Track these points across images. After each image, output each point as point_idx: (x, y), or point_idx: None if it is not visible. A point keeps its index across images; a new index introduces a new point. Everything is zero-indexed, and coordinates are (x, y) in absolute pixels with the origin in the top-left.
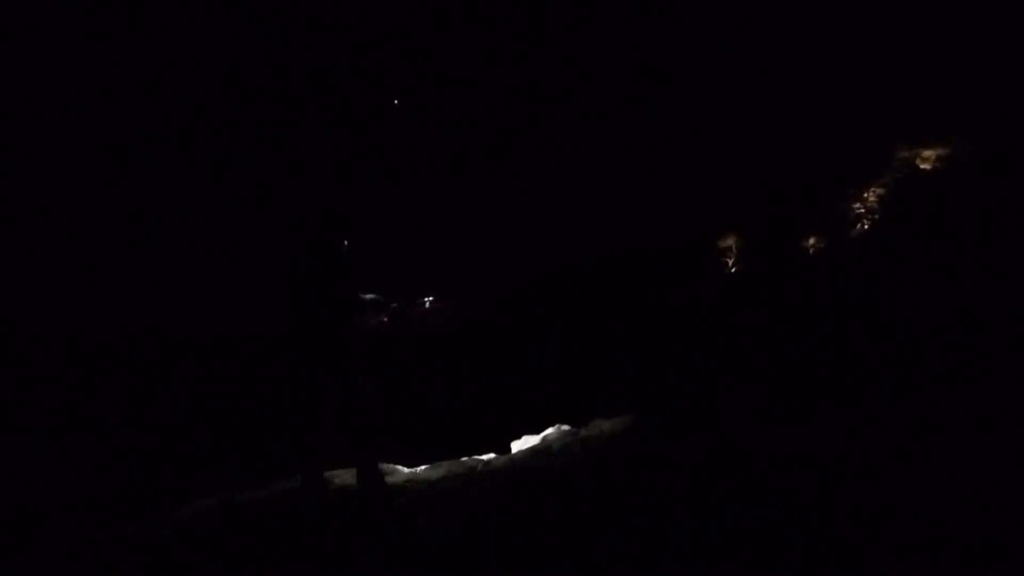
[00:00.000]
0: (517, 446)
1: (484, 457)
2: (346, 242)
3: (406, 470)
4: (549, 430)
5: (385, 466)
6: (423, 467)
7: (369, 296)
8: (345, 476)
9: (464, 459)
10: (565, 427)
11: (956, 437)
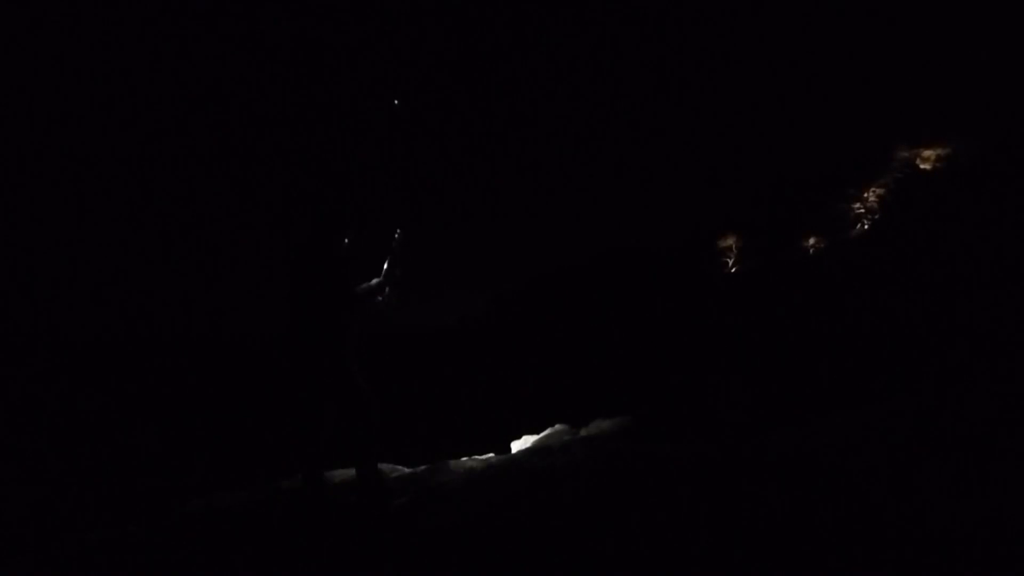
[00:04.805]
0: (517, 446)
1: (484, 457)
2: (345, 242)
3: (406, 470)
4: (549, 430)
5: (385, 466)
6: (423, 467)
7: (375, 281)
8: (345, 476)
9: (464, 459)
10: (565, 427)
11: (956, 437)
